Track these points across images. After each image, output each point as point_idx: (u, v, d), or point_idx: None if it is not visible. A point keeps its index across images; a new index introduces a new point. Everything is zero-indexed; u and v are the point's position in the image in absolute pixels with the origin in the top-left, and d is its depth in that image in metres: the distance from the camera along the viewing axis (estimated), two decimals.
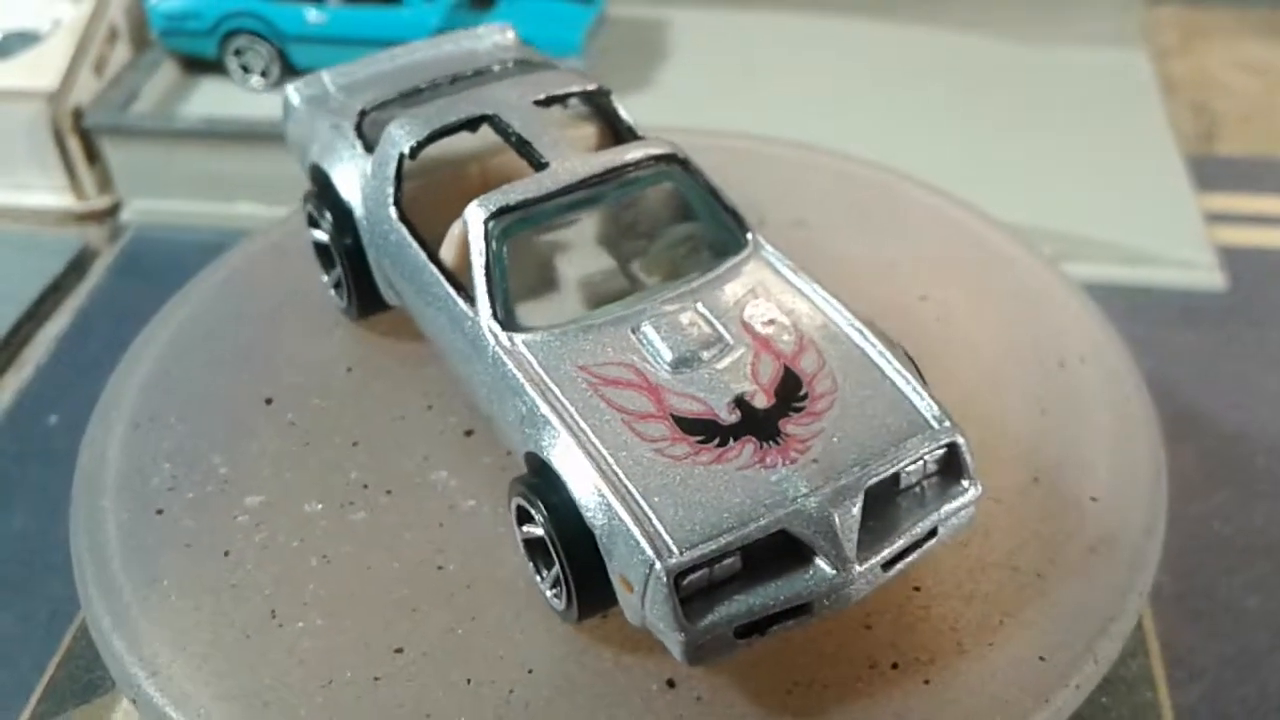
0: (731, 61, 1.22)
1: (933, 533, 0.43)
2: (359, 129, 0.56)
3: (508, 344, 0.46)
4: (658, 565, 0.39)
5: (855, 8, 1.28)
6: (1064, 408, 0.56)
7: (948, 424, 0.43)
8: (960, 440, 0.43)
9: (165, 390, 0.58)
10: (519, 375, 0.45)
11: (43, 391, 0.93)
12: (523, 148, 0.51)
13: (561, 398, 0.44)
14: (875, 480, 0.41)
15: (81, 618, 0.62)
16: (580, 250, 0.51)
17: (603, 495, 0.41)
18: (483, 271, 0.47)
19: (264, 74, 1.16)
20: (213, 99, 1.17)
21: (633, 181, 0.50)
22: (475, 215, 0.48)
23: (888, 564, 0.42)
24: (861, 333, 0.46)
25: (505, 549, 0.46)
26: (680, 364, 0.44)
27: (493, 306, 0.47)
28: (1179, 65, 1.31)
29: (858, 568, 0.40)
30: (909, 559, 0.43)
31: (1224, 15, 1.41)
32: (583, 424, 0.43)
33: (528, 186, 0.49)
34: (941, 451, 0.43)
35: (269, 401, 0.57)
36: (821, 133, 0.85)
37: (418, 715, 0.41)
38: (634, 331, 0.46)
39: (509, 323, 0.47)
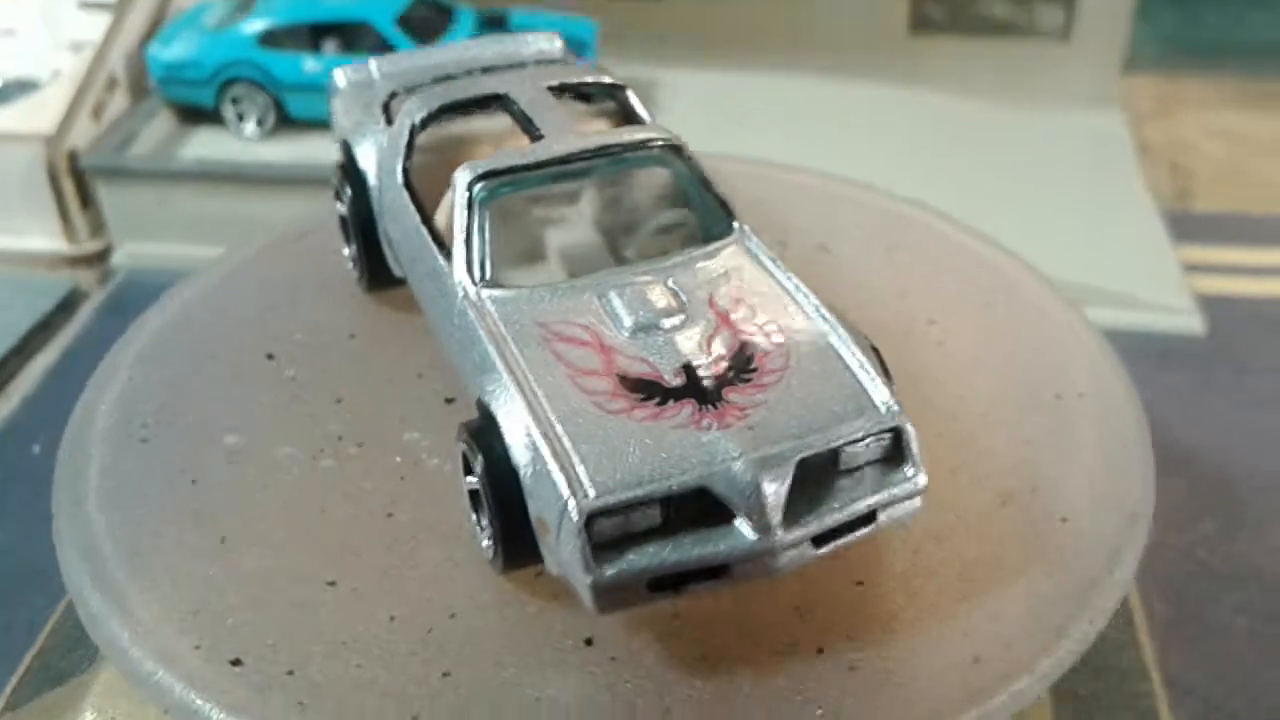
0: (717, 120, 1.25)
1: (872, 518, 0.42)
2: (385, 107, 0.59)
3: (475, 297, 0.47)
4: (571, 504, 0.39)
5: (840, 69, 1.32)
6: (1051, 438, 0.55)
7: (894, 410, 0.42)
8: (906, 427, 0.42)
9: (170, 345, 0.60)
10: (479, 325, 0.46)
11: (28, 422, 0.93)
12: (525, 123, 0.53)
13: (513, 348, 0.44)
14: (809, 453, 0.41)
15: (57, 615, 0.61)
16: (570, 226, 0.51)
17: (530, 436, 0.41)
18: (462, 229, 0.49)
19: (260, 123, 1.18)
20: (207, 147, 1.18)
21: (624, 161, 0.51)
22: (462, 177, 0.50)
23: (819, 541, 0.41)
24: (825, 320, 0.46)
25: (457, 505, 0.47)
26: (638, 330, 0.45)
27: (467, 261, 0.48)
28: (1154, 130, 1.35)
29: (780, 535, 0.39)
30: (843, 540, 0.42)
31: (1198, 85, 1.45)
32: (527, 372, 0.43)
33: (517, 154, 0.51)
34: (886, 438, 0.42)
35: (270, 357, 0.59)
36: None
37: (334, 643, 0.42)
38: (599, 298, 0.46)
39: (479, 279, 0.48)
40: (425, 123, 0.55)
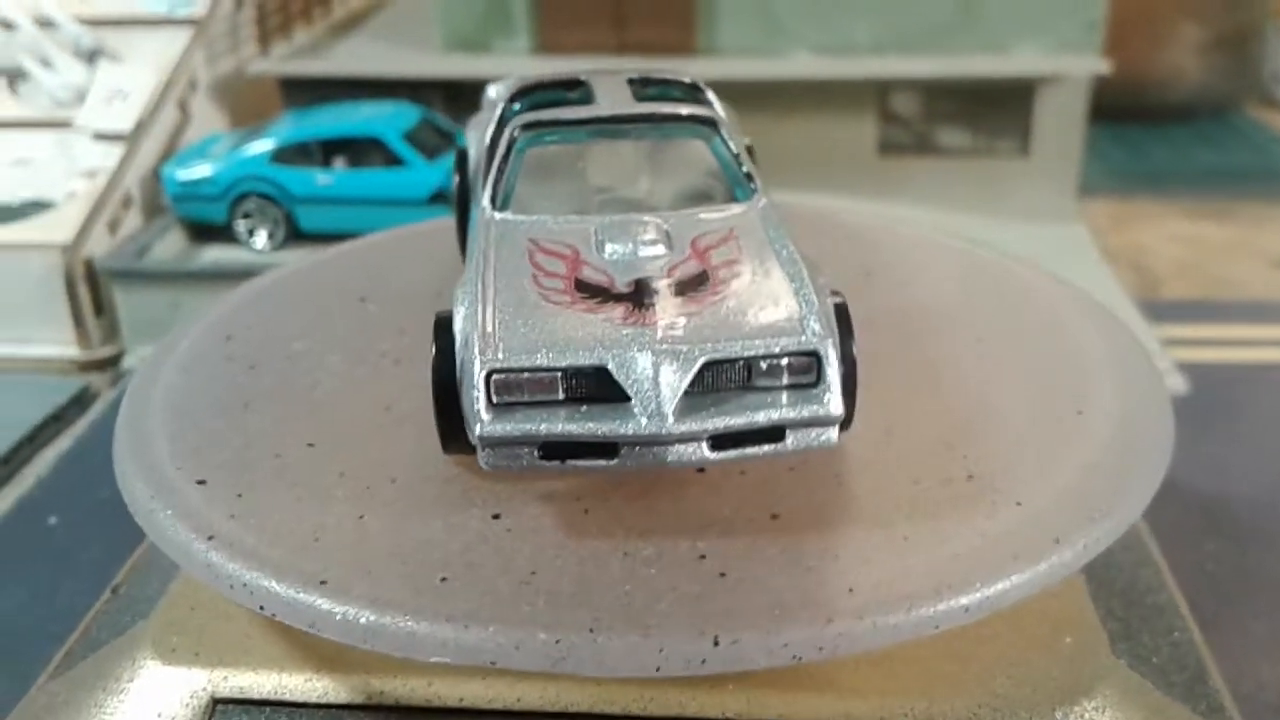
0: None
1: (779, 435, 0.42)
2: (505, 107, 0.62)
3: (487, 217, 0.50)
4: (478, 364, 0.41)
5: (814, 185, 1.40)
6: (1052, 446, 0.50)
7: (816, 333, 0.42)
8: (825, 351, 0.42)
9: (273, 291, 0.65)
10: (480, 239, 0.49)
11: (43, 499, 0.94)
12: (587, 96, 0.58)
13: (494, 253, 0.47)
14: (716, 356, 0.41)
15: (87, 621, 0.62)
16: (600, 179, 0.55)
17: (472, 310, 0.44)
18: (497, 165, 0.52)
19: (270, 236, 1.23)
20: (219, 261, 1.23)
21: (662, 130, 0.55)
22: (514, 124, 0.54)
23: (717, 445, 0.41)
24: (791, 263, 0.46)
25: None
26: (615, 252, 0.47)
27: (493, 190, 0.52)
28: (1114, 239, 1.43)
29: (670, 424, 0.40)
30: (744, 451, 0.42)
31: (1151, 204, 1.55)
32: (496, 273, 0.46)
33: (566, 112, 0.55)
34: (808, 362, 0.42)
35: (363, 299, 0.64)
36: None
37: (288, 483, 0.47)
38: (596, 228, 0.49)
39: (497, 205, 0.51)
40: (513, 97, 0.59)
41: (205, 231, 1.26)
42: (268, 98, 1.51)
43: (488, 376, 0.41)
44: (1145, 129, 1.80)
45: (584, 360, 0.41)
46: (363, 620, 0.39)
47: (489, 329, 0.43)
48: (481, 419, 0.41)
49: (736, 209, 0.52)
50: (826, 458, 0.47)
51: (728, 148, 0.56)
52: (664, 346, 0.41)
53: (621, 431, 0.41)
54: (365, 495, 0.47)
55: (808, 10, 1.40)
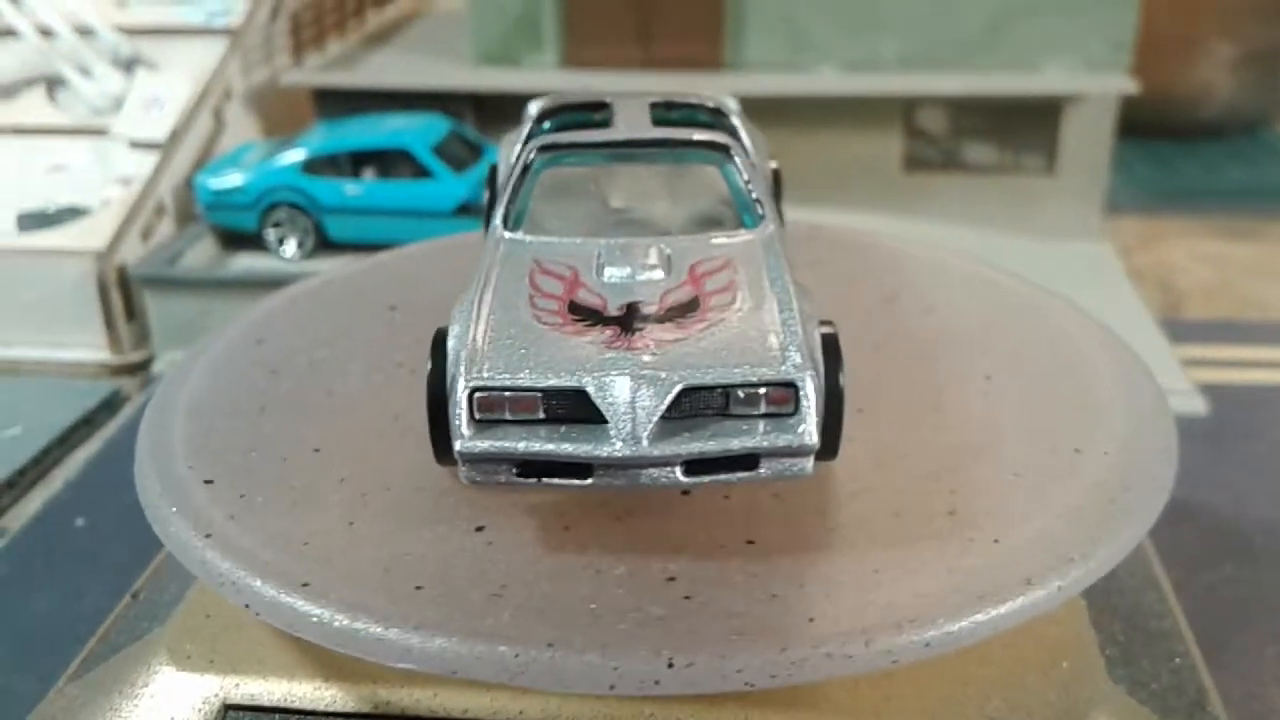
0: None
1: (754, 463, 0.42)
2: (533, 126, 0.63)
3: (498, 237, 0.52)
4: (462, 381, 0.43)
5: (840, 202, 1.40)
6: (1042, 484, 0.48)
7: (796, 364, 0.42)
8: (802, 383, 0.42)
9: (306, 300, 0.68)
10: (489, 256, 0.50)
11: (71, 501, 0.95)
12: (609, 119, 0.59)
13: (497, 273, 0.48)
14: (694, 383, 0.42)
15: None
16: (613, 202, 0.56)
17: (465, 327, 0.45)
18: (512, 185, 0.54)
19: (300, 245, 1.25)
20: (249, 269, 1.25)
21: (677, 155, 0.56)
22: (531, 145, 0.55)
23: (691, 470, 0.42)
24: (782, 293, 0.47)
25: None
26: (613, 275, 0.48)
27: (506, 210, 0.53)
28: (1142, 258, 1.43)
29: (644, 447, 0.41)
30: (718, 477, 0.42)
31: (1180, 222, 1.54)
32: (495, 286, 0.47)
33: (583, 135, 0.56)
34: (787, 394, 0.42)
35: (392, 308, 0.66)
36: None
37: (288, 487, 0.49)
38: (600, 250, 0.50)
39: (509, 225, 0.52)
40: (541, 117, 0.61)
41: (236, 240, 1.28)
42: (301, 108, 1.53)
43: (471, 394, 0.42)
44: (1176, 146, 1.79)
45: (564, 382, 0.42)
46: (336, 624, 0.41)
47: (477, 346, 0.44)
48: (463, 434, 0.42)
49: (743, 235, 0.52)
50: (810, 486, 0.48)
51: (740, 174, 0.56)
52: (643, 372, 0.42)
53: (595, 453, 0.42)
54: (359, 502, 0.48)
55: (835, 26, 1.41)
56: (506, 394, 0.42)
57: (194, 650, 0.49)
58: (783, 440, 0.42)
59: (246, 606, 0.43)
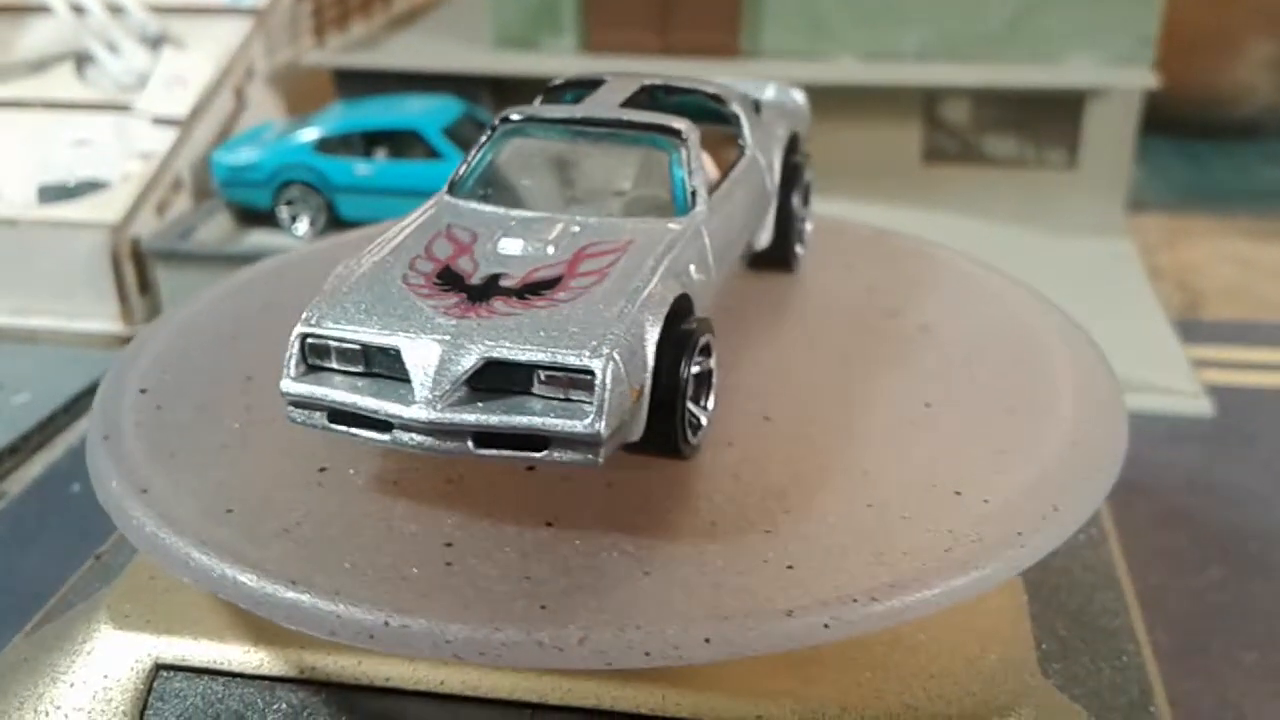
0: None
1: (542, 444, 0.42)
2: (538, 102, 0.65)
3: (437, 198, 0.53)
4: (299, 325, 0.45)
5: (859, 194, 1.39)
6: (976, 472, 0.48)
7: (600, 354, 0.42)
8: (598, 373, 0.42)
9: (285, 272, 0.69)
10: (415, 214, 0.51)
11: (70, 467, 0.97)
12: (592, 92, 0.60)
13: (404, 233, 0.50)
14: (496, 357, 0.42)
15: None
16: (562, 178, 0.56)
17: (336, 277, 0.47)
18: (472, 152, 0.55)
19: (312, 223, 1.26)
20: (260, 245, 1.26)
21: (634, 139, 0.56)
22: (497, 116, 0.56)
23: (480, 442, 0.42)
24: (646, 280, 0.47)
25: None
26: (505, 248, 0.48)
27: (454, 174, 0.54)
28: (1163, 257, 1.40)
29: (427, 410, 0.42)
30: (505, 453, 0.43)
31: (1206, 221, 1.51)
32: (395, 243, 0.49)
33: (546, 110, 0.56)
34: (583, 377, 0.42)
35: None
36: None
37: (222, 451, 0.50)
38: (513, 221, 0.50)
39: (452, 189, 0.53)
40: (546, 94, 0.62)
41: (251, 216, 1.30)
42: (322, 88, 1.55)
43: (303, 339, 0.45)
44: (1210, 145, 1.75)
45: (381, 339, 0.44)
46: (248, 586, 0.42)
47: (326, 294, 0.46)
48: (289, 375, 0.45)
49: (666, 224, 0.52)
50: (762, 477, 0.47)
51: (683, 163, 0.55)
52: (452, 339, 0.43)
53: (389, 411, 0.43)
54: (297, 472, 0.48)
55: (855, 15, 1.40)
56: (331, 343, 0.44)
57: (132, 610, 0.50)
58: (567, 426, 0.42)
59: (153, 558, 0.45)
